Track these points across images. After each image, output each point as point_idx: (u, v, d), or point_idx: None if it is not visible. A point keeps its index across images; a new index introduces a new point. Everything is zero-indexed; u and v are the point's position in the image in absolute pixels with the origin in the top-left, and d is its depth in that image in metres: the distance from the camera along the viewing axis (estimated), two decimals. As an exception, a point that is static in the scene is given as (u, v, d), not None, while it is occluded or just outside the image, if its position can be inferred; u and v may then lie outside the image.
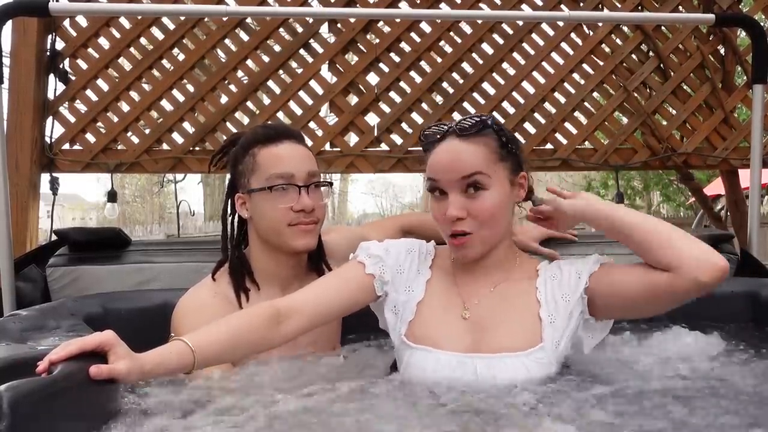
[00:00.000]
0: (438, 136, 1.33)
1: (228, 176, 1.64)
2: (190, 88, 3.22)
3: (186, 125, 3.22)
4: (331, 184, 1.65)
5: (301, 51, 3.26)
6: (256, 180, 1.52)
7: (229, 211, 1.62)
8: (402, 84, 3.28)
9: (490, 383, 1.21)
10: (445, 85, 3.30)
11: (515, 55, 3.31)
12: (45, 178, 3.17)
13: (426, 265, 1.40)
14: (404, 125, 3.26)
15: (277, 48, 3.29)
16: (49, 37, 3.12)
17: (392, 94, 3.28)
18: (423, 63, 3.32)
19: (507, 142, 1.32)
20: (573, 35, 3.33)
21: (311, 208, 1.50)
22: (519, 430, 1.02)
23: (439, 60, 3.29)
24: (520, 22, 3.30)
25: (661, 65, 3.32)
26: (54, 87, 3.15)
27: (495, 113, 3.27)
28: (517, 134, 3.27)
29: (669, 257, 1.20)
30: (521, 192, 1.36)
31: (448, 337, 1.31)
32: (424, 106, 3.28)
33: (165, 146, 3.21)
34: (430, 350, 1.30)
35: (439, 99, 3.30)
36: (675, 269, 1.19)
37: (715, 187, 8.68)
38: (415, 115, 3.27)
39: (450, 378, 1.24)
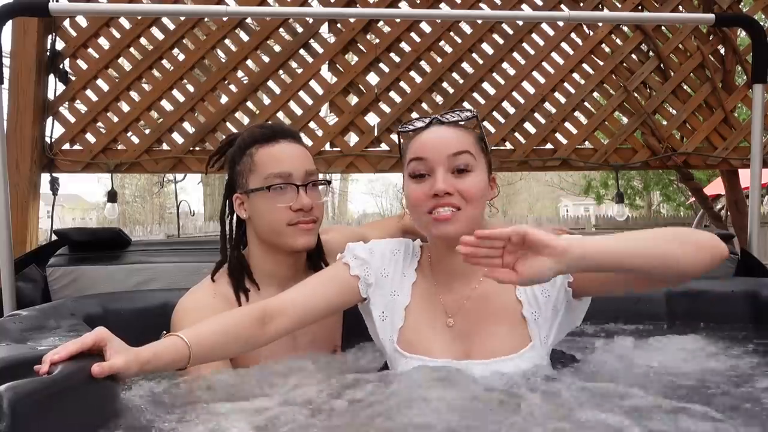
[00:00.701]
0: (422, 125, 1.34)
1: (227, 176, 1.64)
2: (190, 88, 3.22)
3: (186, 125, 3.23)
4: (329, 182, 1.65)
5: (301, 51, 3.27)
6: (254, 180, 1.52)
7: (227, 212, 1.62)
8: (402, 84, 3.28)
9: (488, 387, 1.20)
10: (445, 85, 3.31)
11: (515, 55, 3.32)
12: (45, 178, 3.17)
13: (412, 268, 1.40)
14: (404, 125, 3.26)
15: (277, 48, 3.29)
16: (49, 37, 3.12)
17: (392, 94, 3.28)
18: (423, 63, 3.32)
19: (485, 140, 1.35)
20: (573, 35, 3.34)
21: (310, 206, 1.50)
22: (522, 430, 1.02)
23: (439, 60, 3.29)
24: (520, 22, 3.30)
25: (661, 65, 3.32)
26: (54, 87, 3.15)
27: (495, 113, 3.28)
28: (516, 134, 3.28)
29: (684, 273, 1.16)
30: (494, 191, 1.36)
31: (439, 346, 1.31)
32: (424, 106, 3.28)
33: (165, 146, 3.21)
34: (425, 359, 1.29)
35: (439, 99, 3.30)
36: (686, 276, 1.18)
37: (715, 187, 8.68)
38: (415, 115, 3.27)
39: (447, 384, 1.23)
